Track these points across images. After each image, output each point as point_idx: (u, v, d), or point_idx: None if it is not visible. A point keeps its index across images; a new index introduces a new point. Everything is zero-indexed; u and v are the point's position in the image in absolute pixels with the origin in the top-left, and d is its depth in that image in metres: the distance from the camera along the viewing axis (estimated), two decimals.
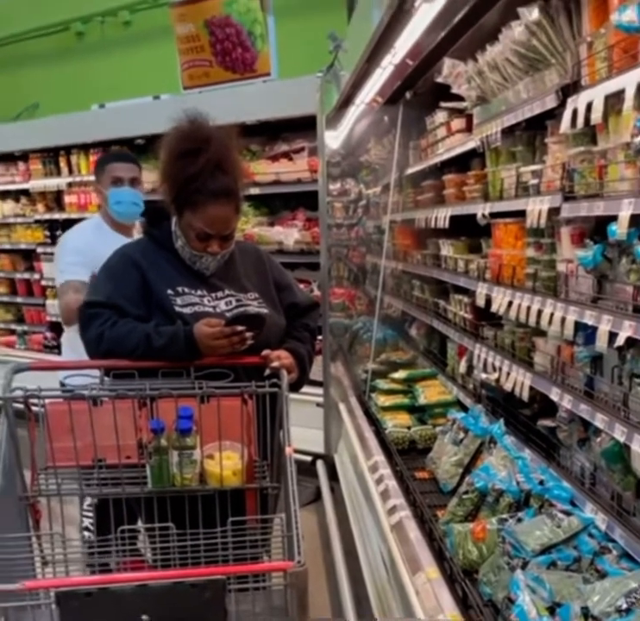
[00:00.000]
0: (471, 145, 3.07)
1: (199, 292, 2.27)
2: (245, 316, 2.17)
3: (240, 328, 2.11)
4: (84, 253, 3.11)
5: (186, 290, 2.26)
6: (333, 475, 4.53)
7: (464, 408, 3.14)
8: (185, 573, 1.48)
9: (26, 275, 7.52)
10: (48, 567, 1.79)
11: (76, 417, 1.87)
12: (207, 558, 1.78)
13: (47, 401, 1.90)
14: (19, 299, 7.69)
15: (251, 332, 2.13)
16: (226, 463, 1.94)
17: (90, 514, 2.82)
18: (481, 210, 2.96)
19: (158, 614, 1.41)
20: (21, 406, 1.88)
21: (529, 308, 2.44)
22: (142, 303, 2.25)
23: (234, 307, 2.28)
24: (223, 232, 2.26)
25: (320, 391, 4.92)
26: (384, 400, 3.56)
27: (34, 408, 1.90)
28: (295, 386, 2.25)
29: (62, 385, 2.19)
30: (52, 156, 6.97)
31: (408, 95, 3.96)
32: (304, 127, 5.17)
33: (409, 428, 3.26)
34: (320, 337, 4.53)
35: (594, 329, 1.97)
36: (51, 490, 1.93)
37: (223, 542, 1.76)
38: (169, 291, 2.25)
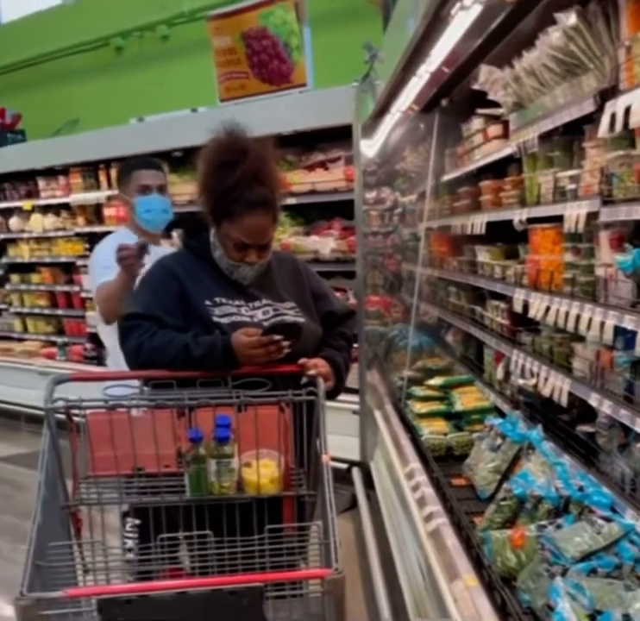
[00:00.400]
0: (508, 151, 3.06)
1: (237, 302, 2.30)
2: (282, 325, 2.20)
3: (277, 337, 2.13)
4: (113, 257, 3.11)
5: (224, 300, 2.29)
6: (369, 483, 4.52)
7: (501, 414, 3.12)
8: (224, 580, 1.49)
9: (66, 288, 7.68)
10: (89, 575, 1.82)
11: (116, 427, 1.90)
12: (244, 566, 1.80)
13: (87, 411, 1.94)
14: (59, 311, 7.84)
15: (288, 341, 2.15)
16: (263, 471, 1.96)
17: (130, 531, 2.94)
18: (518, 215, 2.95)
19: None
20: (62, 417, 1.93)
21: (567, 313, 2.43)
22: (181, 313, 2.29)
23: (271, 316, 2.31)
24: (260, 241, 2.29)
25: (356, 398, 4.93)
26: (420, 407, 3.55)
27: (75, 418, 1.94)
28: (332, 394, 2.26)
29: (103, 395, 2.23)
30: (91, 170, 7.11)
31: (444, 102, 3.96)
32: (340, 136, 5.22)
33: (445, 434, 3.24)
34: (356, 345, 4.54)
35: (634, 333, 1.95)
36: (92, 499, 1.97)
37: (261, 549, 1.77)
38: (207, 302, 2.28)
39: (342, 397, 4.97)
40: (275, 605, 1.52)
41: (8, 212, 8.07)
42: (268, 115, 5.30)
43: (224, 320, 2.25)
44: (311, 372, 2.15)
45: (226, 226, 2.28)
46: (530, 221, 2.89)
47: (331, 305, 2.50)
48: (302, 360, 2.18)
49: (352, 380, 4.86)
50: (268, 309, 2.32)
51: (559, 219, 2.53)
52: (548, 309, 2.60)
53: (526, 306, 2.84)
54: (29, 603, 1.41)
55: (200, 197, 2.33)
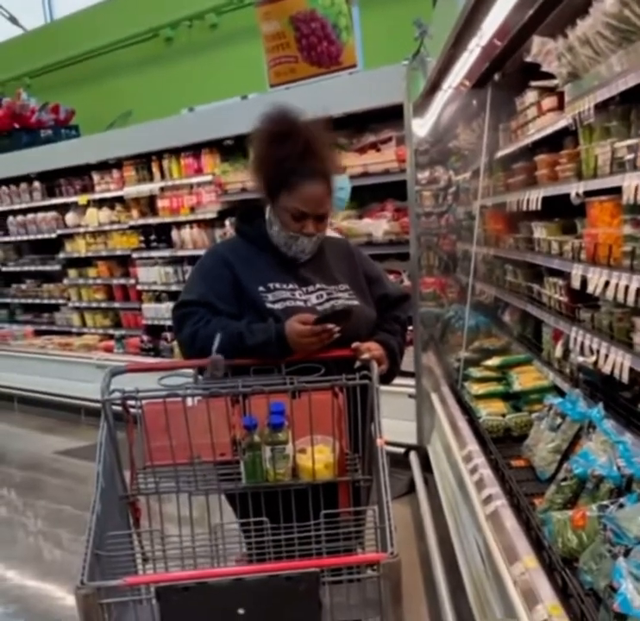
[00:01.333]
0: (563, 123, 2.99)
1: (291, 286, 2.30)
2: (333, 312, 2.18)
3: (329, 326, 2.12)
4: None
5: (277, 285, 2.29)
6: (426, 466, 4.50)
7: (561, 393, 3.06)
8: (280, 566, 1.50)
9: (122, 281, 7.78)
10: (149, 564, 1.85)
11: (171, 417, 1.92)
12: (301, 551, 1.80)
13: (143, 402, 1.96)
14: (116, 304, 7.95)
15: (339, 326, 2.14)
16: (318, 457, 1.96)
17: None
18: (575, 189, 2.88)
19: (254, 607, 1.44)
20: (119, 409, 1.95)
21: (627, 287, 2.36)
22: (234, 300, 2.29)
23: (325, 300, 2.30)
24: (318, 211, 2.30)
25: (412, 382, 4.89)
26: (477, 388, 3.50)
27: (131, 410, 1.97)
28: (386, 379, 2.24)
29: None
30: (144, 162, 7.17)
31: (496, 77, 3.88)
32: (391, 116, 5.16)
33: (504, 415, 3.19)
34: (411, 328, 4.50)
35: None
36: (150, 488, 1.99)
37: (317, 535, 1.77)
38: (260, 288, 2.28)
39: (398, 380, 4.96)
40: (332, 591, 1.52)
41: (64, 207, 8.21)
42: (318, 98, 5.22)
43: (278, 305, 2.25)
44: (365, 355, 2.13)
45: (284, 198, 2.29)
46: (588, 194, 2.82)
47: (385, 288, 2.48)
48: (355, 344, 2.17)
49: (407, 363, 4.81)
50: (322, 293, 2.31)
51: (617, 191, 2.46)
52: (607, 283, 2.54)
53: (584, 282, 2.78)
54: (89, 592, 1.44)
55: (256, 174, 2.36)
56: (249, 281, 2.30)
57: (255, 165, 2.36)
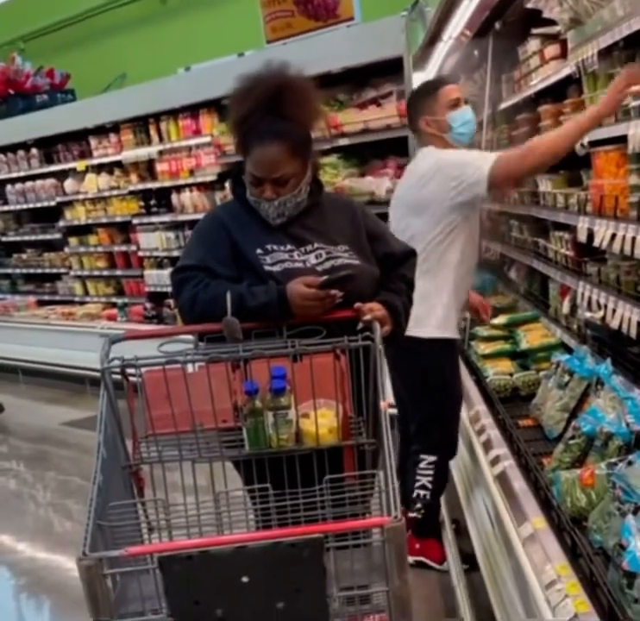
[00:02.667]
0: (566, 71, 2.93)
1: (288, 247, 2.23)
2: (338, 278, 2.12)
3: (334, 292, 2.08)
4: None
5: (275, 247, 2.23)
6: None
7: (569, 350, 3.03)
8: (283, 532, 1.47)
9: (123, 248, 7.71)
10: (154, 533, 1.84)
11: (172, 384, 1.89)
12: (307, 517, 1.78)
13: (143, 370, 1.93)
14: (118, 272, 7.90)
15: (343, 292, 2.09)
16: (321, 421, 1.92)
17: (430, 471, 3.13)
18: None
19: (258, 575, 1.42)
20: (119, 377, 1.92)
21: (634, 239, 2.32)
22: (233, 263, 2.24)
23: (324, 260, 2.22)
24: (271, 175, 2.17)
25: None
26: (484, 348, 3.48)
27: (131, 378, 1.94)
28: (391, 340, 2.19)
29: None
30: (142, 125, 7.07)
31: (497, 25, 3.80)
32: (391, 70, 5.06)
33: (511, 375, 3.17)
34: None
35: None
36: (152, 457, 1.97)
37: (322, 500, 1.75)
38: (258, 251, 2.22)
39: None
40: (337, 556, 1.50)
41: (62, 174, 8.12)
42: (316, 53, 5.17)
43: (276, 268, 2.19)
44: (367, 317, 2.08)
45: (247, 162, 2.21)
46: (593, 144, 2.76)
47: (389, 246, 2.39)
48: (357, 305, 2.11)
49: None
50: (321, 252, 2.24)
51: (622, 140, 2.41)
52: (613, 236, 2.49)
53: (591, 235, 2.73)
54: (91, 563, 1.42)
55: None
56: (246, 244, 2.23)
57: (228, 127, 2.30)
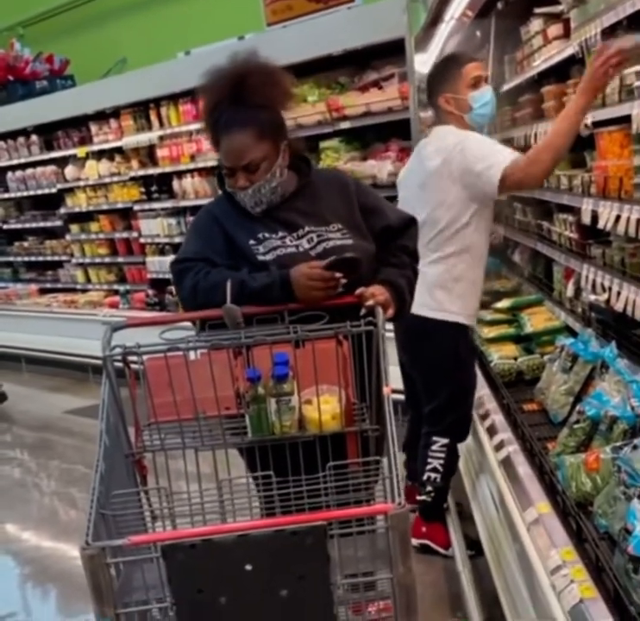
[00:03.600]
0: (569, 51, 2.90)
1: (280, 234, 2.22)
2: (342, 260, 2.10)
3: (338, 274, 2.05)
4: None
5: (267, 235, 2.21)
6: None
7: (573, 334, 3.02)
8: (286, 520, 1.46)
9: (125, 234, 7.67)
10: (158, 522, 1.83)
11: (174, 371, 1.87)
12: (310, 504, 1.77)
13: (145, 357, 1.91)
14: (120, 259, 7.87)
15: (347, 277, 2.07)
16: (324, 408, 1.91)
17: (441, 454, 3.12)
18: (583, 119, 2.78)
19: (261, 563, 1.42)
20: (121, 365, 1.91)
21: (639, 221, 2.29)
22: (229, 255, 2.23)
23: (315, 243, 2.20)
24: (238, 163, 2.15)
25: None
26: (488, 332, 3.46)
27: (133, 366, 1.93)
28: (396, 317, 2.16)
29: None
30: (142, 110, 7.02)
31: (500, 5, 3.76)
32: (393, 52, 5.02)
33: (515, 359, 3.16)
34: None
35: None
36: (155, 445, 1.96)
37: (325, 487, 1.74)
38: (251, 241, 2.21)
39: None
40: (340, 543, 1.49)
41: (63, 161, 8.08)
42: (317, 35, 5.12)
43: (269, 256, 2.17)
44: (369, 302, 2.06)
45: (219, 154, 2.21)
46: (596, 124, 2.74)
47: (386, 219, 2.32)
48: (359, 291, 2.09)
49: None
50: (312, 235, 2.20)
51: (626, 120, 2.38)
52: (618, 218, 2.47)
53: (595, 217, 2.71)
54: (94, 552, 1.42)
55: None
56: (239, 235, 2.22)
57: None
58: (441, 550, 3.21)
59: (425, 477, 3.15)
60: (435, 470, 3.13)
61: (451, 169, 2.94)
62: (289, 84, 2.24)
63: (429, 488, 3.14)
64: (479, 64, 3.16)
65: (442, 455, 3.12)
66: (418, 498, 3.15)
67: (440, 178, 2.98)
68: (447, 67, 3.18)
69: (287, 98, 2.24)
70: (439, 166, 2.98)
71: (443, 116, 3.13)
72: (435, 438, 3.13)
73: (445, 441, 3.11)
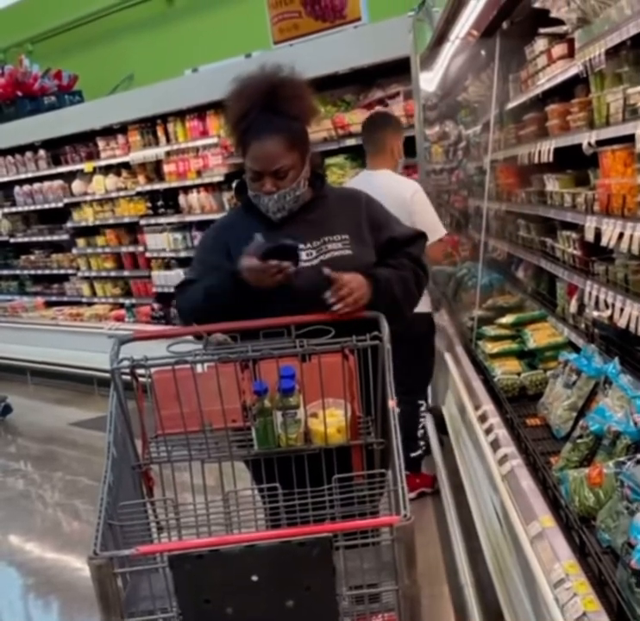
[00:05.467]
0: (573, 71, 2.90)
1: None
2: (275, 248, 2.13)
3: (273, 262, 2.09)
4: None
5: None
6: (441, 427, 4.49)
7: (576, 349, 3.02)
8: (292, 532, 1.48)
9: (131, 248, 7.72)
10: (164, 533, 1.85)
11: (181, 384, 1.90)
12: (316, 517, 1.79)
13: (152, 370, 1.94)
14: (126, 273, 7.91)
15: (288, 262, 2.11)
16: (330, 421, 1.93)
17: (424, 413, 4.24)
18: (587, 138, 2.80)
19: (267, 574, 1.43)
20: (129, 378, 1.93)
21: None
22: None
23: (314, 257, 2.25)
24: (269, 168, 2.20)
25: None
26: (491, 347, 3.47)
27: (140, 378, 1.95)
28: (393, 315, 2.12)
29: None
30: (149, 126, 7.08)
31: (505, 25, 3.77)
32: (398, 71, 5.07)
33: (519, 374, 3.16)
34: None
35: None
36: (162, 457, 1.98)
37: (331, 499, 1.76)
38: None
39: None
40: (346, 555, 1.50)
41: (70, 176, 8.13)
42: (323, 54, 5.18)
43: None
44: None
45: (245, 159, 2.25)
46: (600, 143, 2.75)
47: (393, 232, 2.38)
48: (327, 272, 2.12)
49: None
50: (312, 251, 2.26)
51: (630, 139, 2.40)
52: (621, 235, 2.48)
53: (598, 234, 2.72)
54: (102, 562, 1.43)
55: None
56: (239, 248, 2.25)
57: (227, 130, 2.35)
58: (429, 490, 4.10)
59: (419, 434, 4.09)
60: (423, 427, 4.16)
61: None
62: (314, 100, 2.32)
63: (422, 443, 4.10)
64: None
65: (425, 414, 4.17)
66: (412, 455, 3.99)
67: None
68: (398, 121, 4.25)
69: (312, 113, 2.31)
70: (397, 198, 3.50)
71: (383, 158, 4.04)
72: (420, 401, 4.13)
73: (423, 401, 4.17)
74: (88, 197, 7.94)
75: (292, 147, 2.22)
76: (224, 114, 2.35)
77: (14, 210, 8.97)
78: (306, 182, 2.29)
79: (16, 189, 8.77)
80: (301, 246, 2.24)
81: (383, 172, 3.97)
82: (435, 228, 3.85)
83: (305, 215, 2.30)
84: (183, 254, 6.95)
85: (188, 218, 6.94)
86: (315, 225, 2.29)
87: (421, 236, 2.46)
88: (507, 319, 3.62)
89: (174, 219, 7.10)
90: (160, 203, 7.20)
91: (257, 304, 2.15)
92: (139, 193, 7.40)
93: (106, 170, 7.72)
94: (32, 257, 9.01)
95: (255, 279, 2.13)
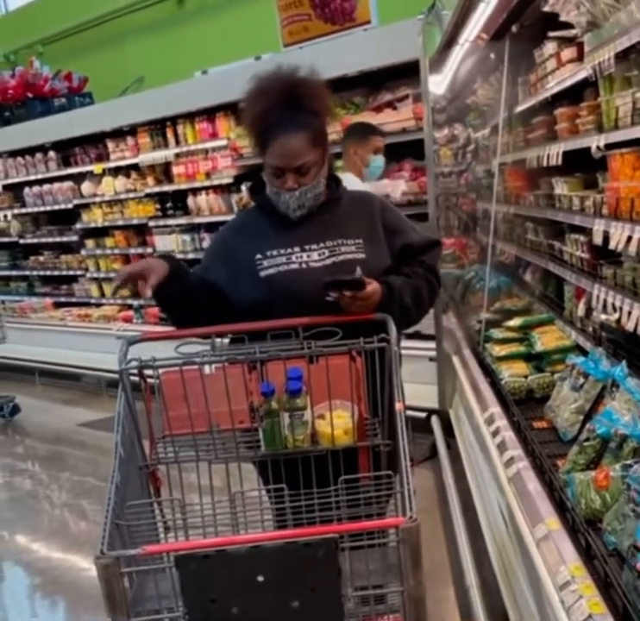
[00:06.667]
0: (583, 74, 2.90)
1: (288, 250, 2.26)
2: (338, 281, 2.11)
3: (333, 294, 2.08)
4: None
5: (275, 252, 2.26)
6: (448, 430, 4.49)
7: (584, 353, 3.02)
8: (298, 532, 1.48)
9: (139, 250, 7.73)
10: (170, 533, 1.85)
11: (189, 385, 1.90)
12: (322, 518, 1.79)
13: (160, 371, 1.94)
14: None
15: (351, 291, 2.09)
16: (337, 422, 1.93)
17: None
18: (596, 142, 2.81)
19: (273, 574, 1.43)
20: (137, 379, 1.94)
21: None
22: (230, 271, 2.31)
23: (327, 256, 2.25)
24: (293, 164, 2.20)
25: (432, 345, 4.85)
26: (499, 350, 3.47)
27: (149, 379, 1.96)
28: (402, 321, 2.17)
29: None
30: (159, 128, 7.09)
31: (514, 28, 3.78)
32: (407, 74, 5.07)
33: (526, 377, 3.16)
34: None
35: None
36: (169, 458, 1.99)
37: (337, 501, 1.76)
38: (257, 256, 2.26)
39: (419, 343, 4.94)
40: (352, 556, 1.50)
41: (80, 177, 8.15)
42: (332, 56, 5.18)
43: (271, 271, 2.24)
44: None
45: (266, 157, 2.24)
46: (609, 147, 2.75)
47: (408, 238, 2.38)
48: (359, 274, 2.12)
49: (428, 326, 4.79)
50: (325, 251, 2.26)
51: (639, 143, 2.42)
52: (629, 238, 2.48)
53: (606, 237, 2.73)
54: (109, 561, 1.43)
55: (248, 138, 2.34)
56: (247, 251, 2.28)
57: (245, 128, 2.35)
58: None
59: None
60: None
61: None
62: (330, 100, 2.34)
63: None
64: (383, 139, 4.34)
65: None
66: None
67: None
68: (362, 131, 4.35)
69: (330, 112, 2.34)
70: None
71: (347, 161, 4.23)
72: None
73: None
74: (97, 199, 7.96)
75: (315, 144, 2.23)
76: (242, 112, 2.33)
77: (23, 211, 8.99)
78: (325, 181, 2.30)
79: (26, 190, 8.80)
80: (313, 246, 2.26)
81: (344, 176, 3.97)
82: None
83: (320, 215, 2.30)
84: (191, 256, 6.96)
85: (197, 220, 6.95)
86: (330, 226, 2.30)
87: (436, 244, 2.46)
88: (515, 322, 3.63)
89: (183, 221, 7.12)
90: (168, 204, 7.21)
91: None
92: (148, 195, 7.42)
93: (115, 171, 7.73)
94: (41, 258, 9.03)
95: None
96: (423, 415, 4.85)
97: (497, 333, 3.65)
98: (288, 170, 2.21)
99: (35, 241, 9.04)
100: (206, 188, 6.80)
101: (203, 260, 2.45)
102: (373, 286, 2.14)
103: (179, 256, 7.12)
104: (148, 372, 1.94)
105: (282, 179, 2.23)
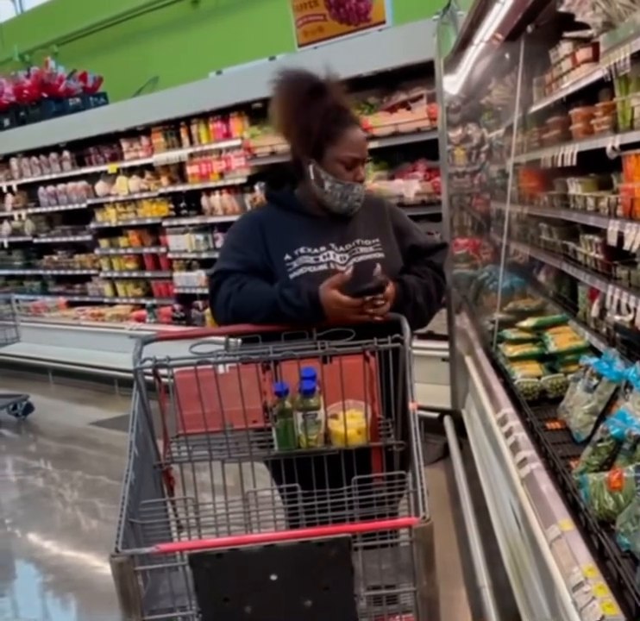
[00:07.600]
0: (598, 75, 2.90)
1: (315, 250, 2.29)
2: (368, 288, 2.15)
3: (368, 298, 2.12)
4: None
5: (302, 250, 2.28)
6: (461, 431, 4.48)
7: (597, 353, 3.01)
8: (311, 532, 1.49)
9: (153, 249, 7.75)
10: (184, 532, 1.86)
11: (203, 385, 1.91)
12: (334, 517, 1.80)
13: (175, 370, 1.95)
14: (147, 274, 7.95)
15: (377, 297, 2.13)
16: (350, 422, 1.94)
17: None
18: (611, 142, 2.80)
19: (286, 573, 1.44)
20: (151, 378, 1.95)
21: None
22: (265, 265, 2.31)
23: (349, 259, 2.30)
24: (365, 154, 2.34)
25: (445, 345, 4.85)
26: (512, 350, 3.46)
27: (163, 379, 1.97)
28: (414, 321, 2.19)
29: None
30: (173, 128, 7.10)
31: (529, 29, 3.76)
32: (421, 74, 5.06)
33: (539, 377, 3.15)
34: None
35: None
36: (183, 457, 2.00)
37: (350, 500, 1.77)
38: (287, 257, 2.28)
39: (431, 344, 4.93)
40: (364, 556, 1.51)
41: (94, 177, 8.18)
42: (347, 56, 5.17)
43: (300, 271, 2.26)
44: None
45: (331, 151, 2.29)
46: (624, 147, 2.74)
47: (416, 239, 2.48)
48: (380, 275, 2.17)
49: (440, 326, 4.79)
50: (345, 255, 2.30)
51: None
52: None
53: (621, 238, 2.72)
54: (123, 559, 1.44)
55: (290, 135, 2.36)
56: (277, 249, 2.30)
57: (288, 126, 2.35)
58: None
59: None
60: None
61: None
62: None
63: None
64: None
65: None
66: None
67: None
68: None
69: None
70: None
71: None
72: None
73: None
74: (111, 199, 7.99)
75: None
76: (290, 113, 2.32)
77: (38, 210, 9.03)
78: None
79: (40, 189, 8.83)
80: (338, 245, 2.30)
81: None
82: None
83: (341, 217, 2.36)
84: (205, 256, 6.98)
85: (210, 220, 6.96)
86: (349, 226, 2.36)
87: (443, 246, 2.56)
88: (528, 322, 3.61)
89: (196, 221, 7.13)
90: (182, 204, 7.23)
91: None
92: (162, 195, 7.43)
93: (129, 171, 7.75)
94: (55, 257, 9.07)
95: (340, 312, 2.15)
96: (436, 415, 4.85)
97: (510, 333, 3.64)
98: (360, 161, 2.31)
99: (49, 240, 9.08)
100: (220, 188, 6.81)
101: (234, 246, 2.40)
102: (391, 288, 2.17)
103: (192, 256, 7.17)
104: (163, 371, 1.95)
105: (354, 171, 2.31)
